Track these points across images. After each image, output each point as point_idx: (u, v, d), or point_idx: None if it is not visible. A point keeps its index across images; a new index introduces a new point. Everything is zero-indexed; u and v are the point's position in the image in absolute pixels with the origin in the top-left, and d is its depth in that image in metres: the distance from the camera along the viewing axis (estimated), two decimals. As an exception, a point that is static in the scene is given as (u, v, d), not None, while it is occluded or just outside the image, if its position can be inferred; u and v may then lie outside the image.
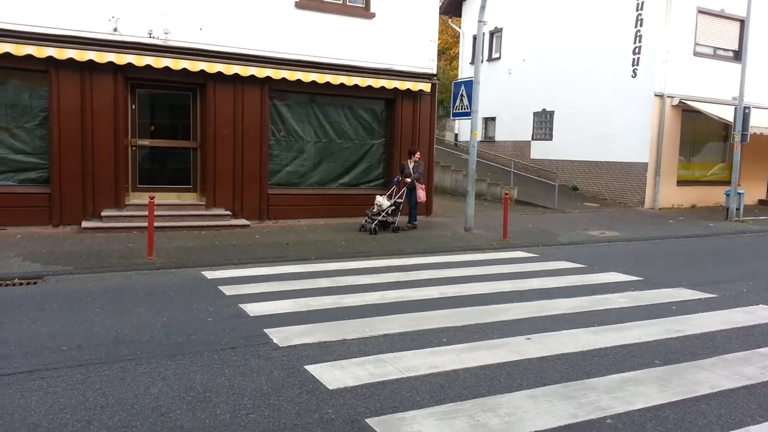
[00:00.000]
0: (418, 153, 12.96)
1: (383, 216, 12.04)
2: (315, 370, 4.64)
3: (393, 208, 12.22)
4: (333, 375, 4.54)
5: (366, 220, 12.10)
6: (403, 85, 13.44)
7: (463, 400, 4.15)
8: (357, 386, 4.33)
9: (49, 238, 10.18)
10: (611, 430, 3.76)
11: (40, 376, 4.38)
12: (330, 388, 4.30)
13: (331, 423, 3.76)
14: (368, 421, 3.79)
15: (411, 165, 12.67)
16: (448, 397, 4.18)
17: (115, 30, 11.00)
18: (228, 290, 7.15)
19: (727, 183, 17.16)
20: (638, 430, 3.76)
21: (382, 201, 12.09)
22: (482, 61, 13.60)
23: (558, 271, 8.97)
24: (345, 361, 4.85)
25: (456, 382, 4.48)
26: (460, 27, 26.19)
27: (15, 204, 10.79)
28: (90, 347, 5.03)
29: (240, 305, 6.47)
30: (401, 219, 12.53)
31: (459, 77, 25.08)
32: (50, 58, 10.48)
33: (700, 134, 18.75)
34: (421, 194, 12.61)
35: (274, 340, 5.31)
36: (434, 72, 14.16)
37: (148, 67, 11.08)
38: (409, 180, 12.45)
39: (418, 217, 13.02)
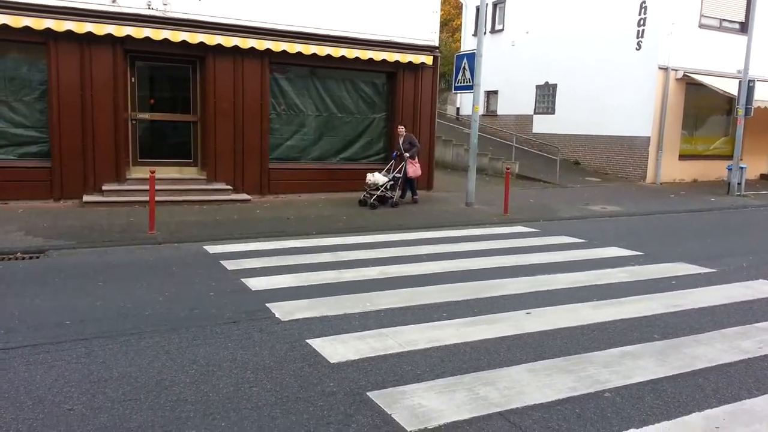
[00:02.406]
0: (401, 127, 12.82)
1: (382, 191, 12.01)
2: (317, 343, 4.68)
3: (392, 182, 12.17)
4: (334, 349, 4.58)
5: (364, 195, 12.08)
6: (404, 57, 13.31)
7: (463, 373, 4.19)
8: (358, 360, 4.38)
9: (50, 212, 10.19)
10: (609, 403, 3.81)
11: (44, 350, 4.43)
12: (331, 361, 4.34)
13: (333, 396, 3.81)
14: (369, 394, 3.84)
15: (400, 140, 12.60)
16: (448, 371, 4.23)
17: (114, 1, 10.86)
18: (230, 265, 7.18)
19: (730, 157, 17.08)
20: (636, 404, 3.80)
21: (377, 177, 12.00)
22: (485, 33, 13.45)
23: (558, 246, 8.98)
24: (346, 335, 4.90)
25: (456, 356, 4.52)
26: (462, -2, 25.81)
27: (16, 178, 10.78)
28: (93, 321, 5.08)
29: (242, 279, 6.50)
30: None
31: (461, 50, 24.81)
32: (48, 30, 10.38)
33: (703, 108, 18.61)
34: (410, 169, 12.45)
35: (276, 315, 5.35)
36: (436, 44, 14.00)
37: (147, 39, 10.98)
38: (407, 155, 12.37)
39: (419, 191, 13.01)
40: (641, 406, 3.77)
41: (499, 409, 3.67)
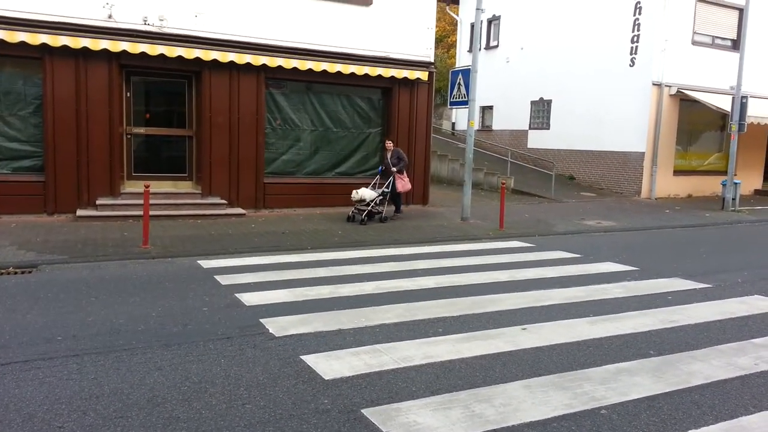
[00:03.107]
0: (389, 142, 12.91)
1: (372, 206, 11.89)
2: (311, 360, 4.64)
3: (381, 198, 12.07)
4: (329, 365, 4.54)
5: (353, 211, 11.99)
6: (400, 73, 13.38)
7: (458, 390, 4.16)
8: (353, 376, 4.34)
9: (43, 226, 10.14)
10: (606, 420, 3.77)
11: (35, 366, 4.37)
12: (326, 378, 4.30)
13: (327, 413, 3.76)
14: (364, 411, 3.80)
15: (388, 155, 12.62)
16: (443, 388, 4.19)
17: (110, 17, 10.90)
18: (224, 280, 7.14)
19: (724, 173, 17.18)
20: (632, 421, 3.77)
21: (364, 193, 11.86)
22: (480, 50, 13.52)
23: (554, 261, 8.98)
24: (341, 351, 4.86)
25: (451, 372, 4.49)
26: (457, 14, 26.02)
27: (9, 192, 10.74)
28: (85, 337, 5.02)
29: (236, 295, 6.46)
30: (388, 209, 12.46)
31: (456, 65, 24.98)
32: (44, 45, 10.40)
33: (697, 124, 18.74)
34: (399, 185, 12.42)
35: (270, 330, 5.31)
36: (431, 60, 14.09)
37: (143, 54, 11.01)
38: (394, 170, 12.36)
39: (414, 206, 13.02)
40: (638, 424, 3.74)
41: (494, 427, 3.63)
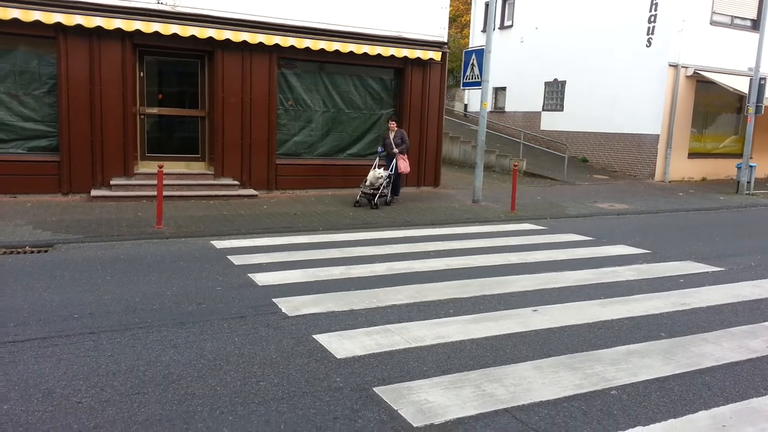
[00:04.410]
0: (392, 122, 12.42)
1: (382, 190, 11.50)
2: (323, 339, 4.69)
3: (387, 180, 11.70)
4: (341, 344, 4.59)
5: (361, 195, 11.60)
6: (412, 53, 13.28)
7: (469, 370, 4.20)
8: (364, 355, 4.39)
9: (58, 206, 10.25)
10: (616, 400, 3.80)
11: (53, 343, 4.46)
12: (338, 357, 4.35)
13: (340, 391, 3.82)
14: (376, 389, 3.85)
15: (391, 135, 12.19)
16: (454, 367, 4.23)
17: (123, -4, 10.88)
18: (237, 260, 7.20)
19: (739, 156, 16.97)
20: (642, 401, 3.80)
21: (382, 173, 11.51)
22: (494, 29, 13.37)
23: (565, 243, 8.96)
24: (353, 330, 4.91)
25: (462, 352, 4.52)
26: (471, -6, 25.75)
27: (25, 172, 10.85)
28: (101, 315, 5.11)
29: (249, 275, 6.52)
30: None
31: (470, 45, 24.74)
32: (58, 24, 10.42)
33: (713, 106, 18.49)
34: (402, 165, 12.09)
35: (283, 310, 5.37)
36: (445, 40, 13.96)
37: (156, 33, 11.01)
38: (396, 151, 12.00)
39: (425, 188, 12.92)
40: (648, 404, 3.76)
41: (505, 406, 3.67)
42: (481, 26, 24.73)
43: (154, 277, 6.38)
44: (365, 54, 12.79)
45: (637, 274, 7.09)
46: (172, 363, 4.18)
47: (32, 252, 7.42)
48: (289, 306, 5.47)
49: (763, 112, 15.56)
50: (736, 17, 17.88)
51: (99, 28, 10.68)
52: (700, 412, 3.67)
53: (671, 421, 3.56)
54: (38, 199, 10.66)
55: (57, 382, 3.83)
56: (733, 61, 17.41)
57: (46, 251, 7.48)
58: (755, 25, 17.52)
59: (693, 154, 18.18)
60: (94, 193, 11.00)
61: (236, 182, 12.20)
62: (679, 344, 4.81)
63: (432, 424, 3.43)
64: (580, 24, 19.68)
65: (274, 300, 5.64)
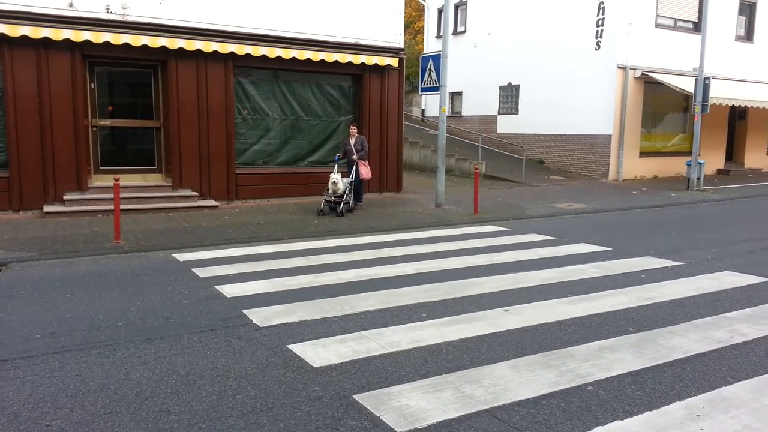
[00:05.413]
0: (353, 127, 12.23)
1: (346, 197, 11.37)
2: (298, 348, 4.62)
3: (349, 187, 11.57)
4: (316, 353, 4.53)
5: (324, 203, 11.40)
6: (370, 60, 13.30)
7: (447, 372, 4.20)
8: (341, 363, 4.34)
9: (9, 223, 9.86)
10: (593, 396, 3.86)
11: (15, 365, 4.26)
12: (315, 366, 4.29)
13: (319, 400, 3.76)
14: (356, 397, 3.80)
15: (352, 141, 12.03)
16: (432, 371, 4.22)
17: (71, 5, 10.57)
18: (201, 272, 7.05)
19: (688, 153, 17.59)
20: (618, 396, 3.86)
21: (344, 180, 11.34)
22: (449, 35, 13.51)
23: (529, 243, 9.09)
24: (327, 339, 4.85)
25: (439, 355, 4.52)
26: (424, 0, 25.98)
27: (-28, 189, 10.40)
28: (64, 334, 4.91)
29: (215, 287, 6.39)
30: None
31: (425, 51, 24.94)
32: (2, 36, 10.05)
33: (661, 105, 19.11)
34: (364, 171, 11.98)
35: (254, 321, 5.27)
36: (401, 46, 14.04)
37: (107, 44, 10.73)
38: (355, 157, 11.86)
39: (388, 193, 12.93)
40: (623, 398, 3.83)
41: (486, 407, 3.68)
42: (434, 32, 24.99)
43: (117, 293, 6.19)
44: (323, 61, 12.75)
45: (601, 271, 7.24)
46: (143, 380, 4.04)
47: (-16, 272, 7.10)
48: (260, 317, 5.38)
49: (709, 111, 16.16)
50: (679, 20, 18.55)
51: (46, 39, 10.33)
52: (675, 404, 3.76)
53: (648, 414, 3.62)
54: (-13, 217, 10.23)
55: (23, 405, 3.66)
56: (678, 61, 18.05)
57: (0, 270, 7.18)
58: (697, 26, 18.21)
59: (644, 153, 18.74)
60: (47, 209, 10.62)
61: (195, 193, 11.97)
62: (648, 338, 4.93)
63: (415, 428, 3.41)
64: (531, 29, 20.08)
65: (244, 311, 5.53)
